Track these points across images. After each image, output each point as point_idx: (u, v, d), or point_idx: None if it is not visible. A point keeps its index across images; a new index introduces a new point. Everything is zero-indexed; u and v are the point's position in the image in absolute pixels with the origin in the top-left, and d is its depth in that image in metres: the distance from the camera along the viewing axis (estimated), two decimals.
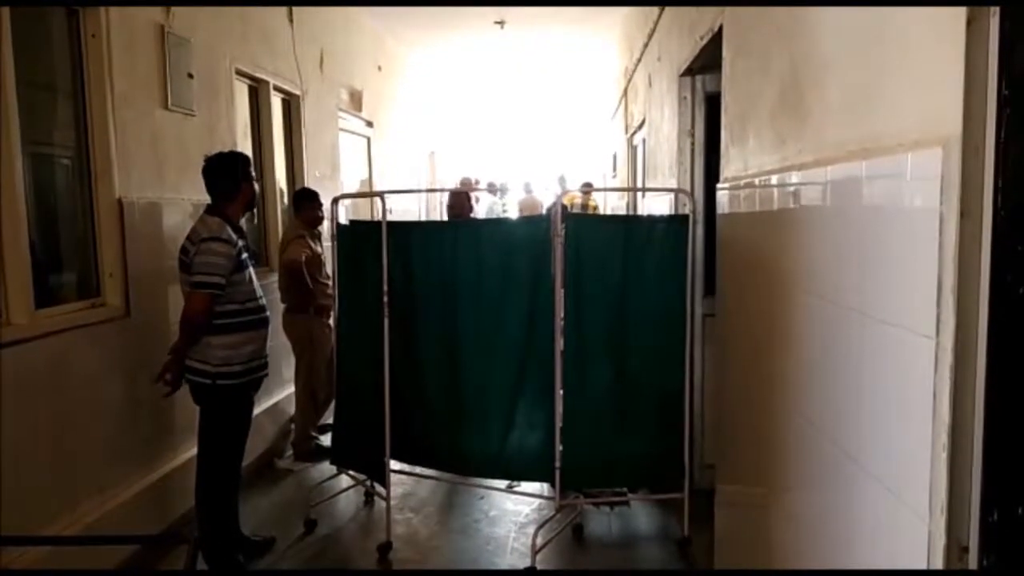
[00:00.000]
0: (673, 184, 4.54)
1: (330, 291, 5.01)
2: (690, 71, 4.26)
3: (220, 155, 3.50)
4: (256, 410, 3.75)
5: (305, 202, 5.04)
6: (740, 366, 2.84)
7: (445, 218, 9.38)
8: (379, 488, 3.94)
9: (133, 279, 3.62)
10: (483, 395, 3.75)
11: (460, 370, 3.79)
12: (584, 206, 10.01)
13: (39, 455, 2.99)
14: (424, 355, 3.85)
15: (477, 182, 11.82)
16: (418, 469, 4.19)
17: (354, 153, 7.98)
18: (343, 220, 4.17)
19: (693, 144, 4.41)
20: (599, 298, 3.59)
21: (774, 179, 2.34)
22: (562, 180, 12.28)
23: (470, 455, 3.83)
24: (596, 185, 11.26)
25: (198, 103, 4.30)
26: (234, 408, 3.41)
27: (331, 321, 5.03)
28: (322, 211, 5.06)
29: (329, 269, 5.07)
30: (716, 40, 3.26)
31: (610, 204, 10.26)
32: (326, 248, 5.24)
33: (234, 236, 3.31)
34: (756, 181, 2.59)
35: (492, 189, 12.00)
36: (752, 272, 2.65)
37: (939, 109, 1.30)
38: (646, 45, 6.07)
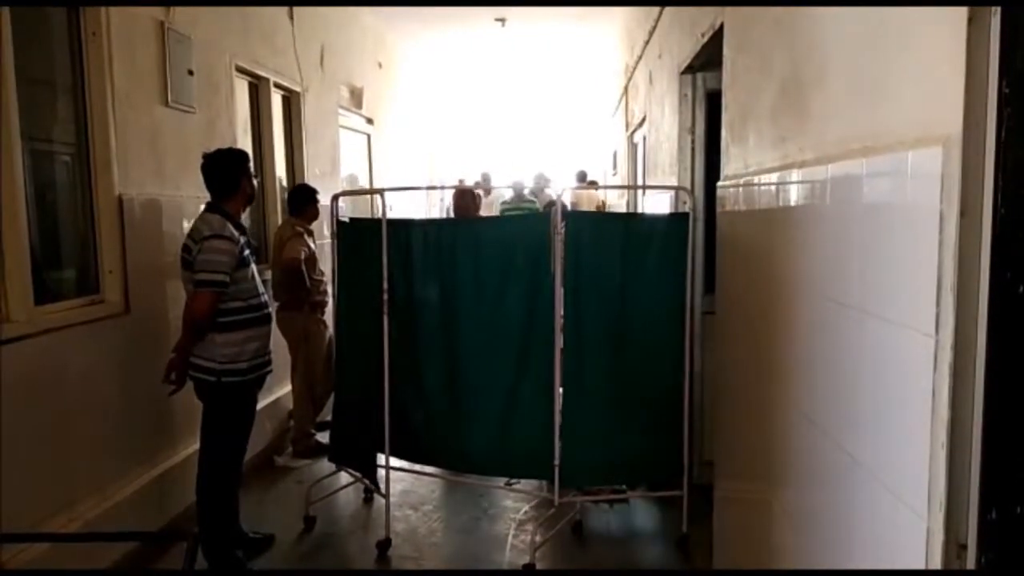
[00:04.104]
0: (673, 182, 4.53)
1: (324, 287, 5.02)
2: (691, 68, 4.25)
3: (219, 152, 3.49)
4: None
5: (309, 199, 5.05)
6: (739, 363, 2.84)
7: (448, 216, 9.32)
8: (379, 484, 3.94)
9: (133, 276, 3.62)
10: (482, 392, 3.75)
11: (459, 368, 3.79)
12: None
13: (38, 452, 3.00)
14: (424, 353, 3.85)
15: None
16: (417, 466, 4.20)
17: (354, 150, 7.98)
18: (343, 217, 4.15)
19: (694, 142, 4.41)
20: (599, 296, 3.59)
21: (775, 177, 2.34)
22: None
23: (469, 452, 3.83)
24: (597, 182, 11.22)
25: (198, 100, 4.29)
26: (238, 405, 3.42)
27: (326, 318, 5.04)
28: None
29: (325, 266, 5.08)
30: (717, 37, 3.25)
31: (610, 201, 10.25)
32: (324, 245, 5.25)
33: (236, 233, 3.32)
34: (756, 179, 2.58)
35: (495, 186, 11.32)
36: (752, 270, 2.65)
37: (940, 107, 1.30)
38: (647, 42, 6.07)
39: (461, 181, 11.47)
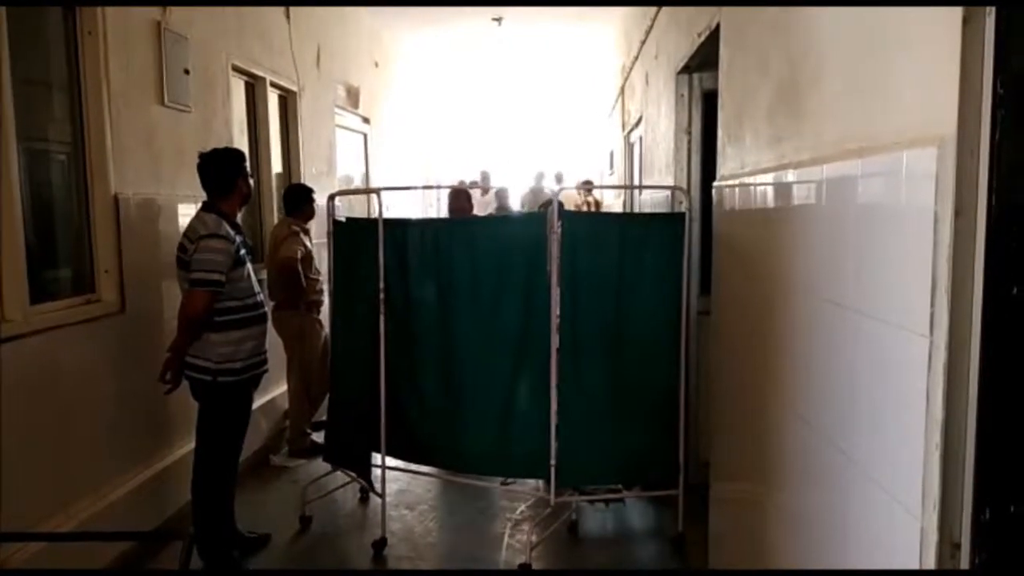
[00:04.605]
0: (670, 182, 4.54)
1: (319, 287, 5.01)
2: (687, 69, 4.26)
3: (215, 152, 3.49)
4: None
5: (305, 198, 5.04)
6: (735, 364, 2.85)
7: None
8: (375, 484, 3.94)
9: (128, 275, 3.61)
10: (479, 392, 3.75)
11: (456, 367, 3.79)
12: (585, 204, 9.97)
13: (34, 452, 2.99)
14: (420, 352, 3.85)
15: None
16: (413, 466, 4.20)
17: (351, 150, 7.97)
18: (339, 217, 4.14)
19: (690, 142, 4.41)
20: (595, 295, 3.59)
21: (770, 177, 2.34)
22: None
23: (465, 452, 3.82)
24: (593, 182, 11.25)
25: (194, 99, 4.29)
26: (234, 405, 3.41)
27: (321, 317, 5.03)
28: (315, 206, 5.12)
29: (321, 265, 5.07)
30: (714, 38, 3.26)
31: (606, 201, 10.27)
32: (320, 244, 5.24)
33: (232, 232, 3.31)
34: (752, 179, 2.59)
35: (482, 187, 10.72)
36: (748, 270, 2.66)
37: (935, 108, 1.30)
38: (644, 42, 6.07)
39: (461, 182, 11.44)
